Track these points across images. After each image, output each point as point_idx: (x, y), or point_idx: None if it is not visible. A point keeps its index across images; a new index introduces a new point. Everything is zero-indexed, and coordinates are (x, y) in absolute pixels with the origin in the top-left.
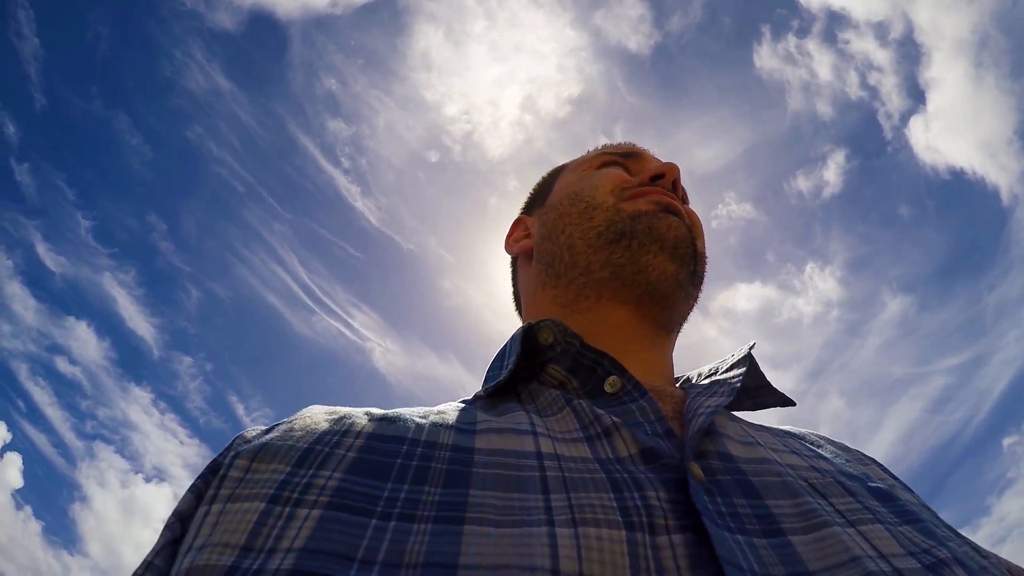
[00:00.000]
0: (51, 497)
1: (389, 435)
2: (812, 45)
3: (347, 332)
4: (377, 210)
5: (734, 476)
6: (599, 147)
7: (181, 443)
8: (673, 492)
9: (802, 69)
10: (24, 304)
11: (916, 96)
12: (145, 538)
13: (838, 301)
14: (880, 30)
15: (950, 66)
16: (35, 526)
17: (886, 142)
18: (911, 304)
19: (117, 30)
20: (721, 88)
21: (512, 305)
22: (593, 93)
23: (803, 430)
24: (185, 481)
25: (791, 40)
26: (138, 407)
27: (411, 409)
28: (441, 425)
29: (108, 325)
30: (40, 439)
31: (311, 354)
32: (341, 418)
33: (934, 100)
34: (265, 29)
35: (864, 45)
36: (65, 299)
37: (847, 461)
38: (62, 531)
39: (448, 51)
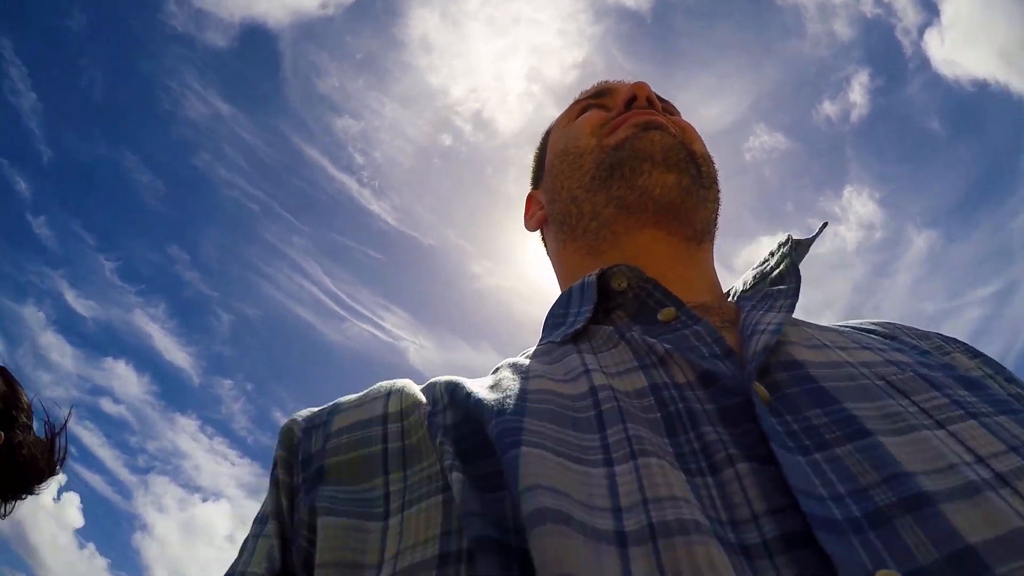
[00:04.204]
0: (112, 532)
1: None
2: None
3: (379, 334)
4: (393, 210)
5: (803, 385)
6: (576, 97)
7: (232, 464)
8: (734, 422)
9: None
10: (61, 352)
11: (930, 9)
12: (210, 556)
13: (880, 223)
14: None
15: None
16: (101, 562)
17: (907, 59)
18: (937, 238)
19: (111, 71)
20: (735, 23)
21: (554, 279)
22: (597, 54)
23: (873, 322)
24: (242, 500)
25: None
26: (186, 435)
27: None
28: (497, 388)
29: (146, 360)
30: (95, 480)
31: (347, 360)
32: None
33: (948, 12)
34: (257, 42)
35: None
36: (100, 341)
37: (927, 351)
38: (127, 564)
39: (446, 32)
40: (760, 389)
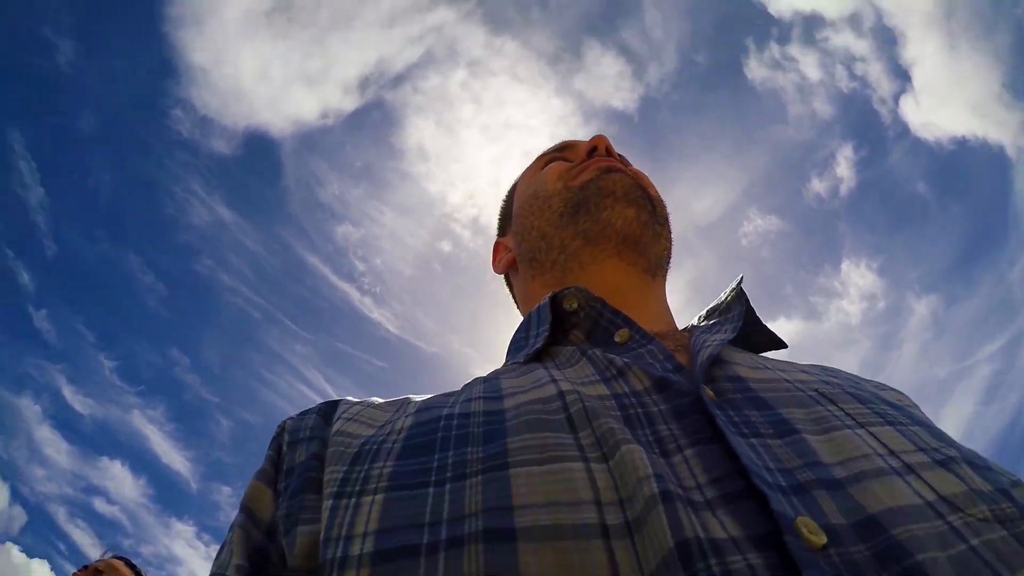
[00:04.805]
0: None
1: (426, 420)
2: (795, 49)
3: None
4: (394, 318)
5: (745, 394)
6: (540, 153)
7: None
8: (684, 416)
9: (792, 73)
10: (56, 448)
11: (902, 75)
12: None
13: (881, 292)
14: (854, 22)
15: (925, 41)
16: None
17: (886, 127)
18: (938, 302)
19: (118, 174)
20: (719, 114)
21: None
22: None
23: (816, 365)
24: None
25: (774, 48)
26: (182, 541)
27: (437, 394)
28: (470, 399)
29: (142, 462)
30: None
31: None
32: (384, 413)
33: (918, 77)
34: (260, 150)
35: (843, 39)
36: (97, 440)
37: (859, 382)
38: None
39: (442, 139)
40: (707, 390)
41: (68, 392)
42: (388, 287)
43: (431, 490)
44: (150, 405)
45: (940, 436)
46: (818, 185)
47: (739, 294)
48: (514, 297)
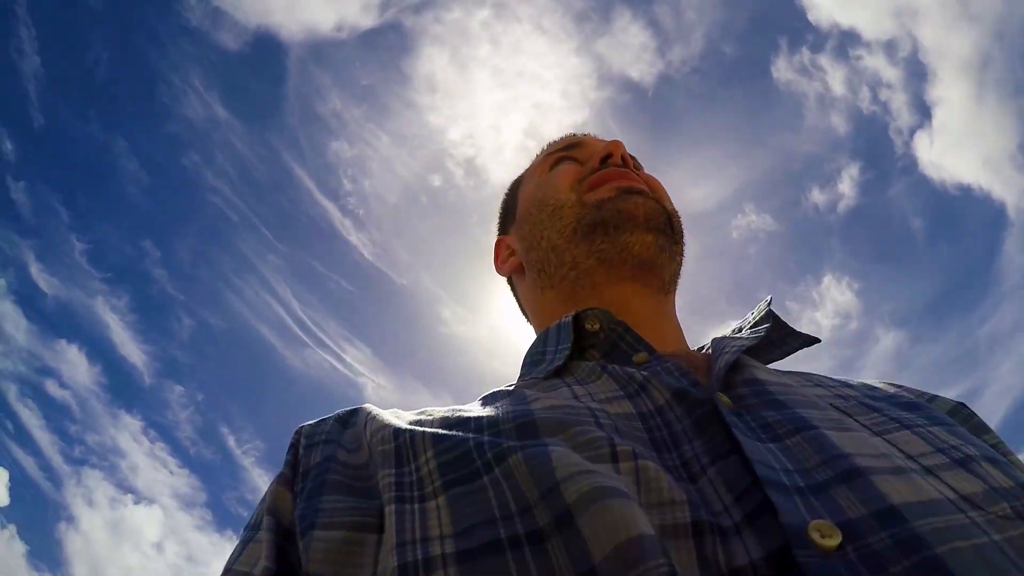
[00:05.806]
0: (37, 517)
1: (456, 419)
2: (825, 60)
3: (339, 366)
4: (371, 243)
5: (763, 397)
6: (544, 148)
7: (171, 472)
8: (705, 429)
9: (817, 83)
10: (16, 324)
11: (924, 112)
12: (134, 561)
13: (856, 313)
14: (889, 48)
15: (954, 84)
16: (20, 547)
17: (897, 157)
18: (904, 338)
19: (118, 54)
20: (735, 108)
21: (518, 326)
22: (596, 120)
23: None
24: (175, 511)
25: (805, 54)
26: (127, 434)
27: (458, 405)
28: (498, 406)
29: (99, 350)
30: (28, 461)
31: (302, 387)
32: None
33: (939, 117)
34: (267, 52)
35: (875, 62)
36: (57, 321)
37: (874, 387)
38: (46, 554)
39: (453, 74)
40: (723, 397)
41: (35, 269)
42: (370, 212)
43: (486, 479)
44: (115, 293)
45: (959, 434)
46: (818, 196)
47: (767, 315)
48: (517, 300)
